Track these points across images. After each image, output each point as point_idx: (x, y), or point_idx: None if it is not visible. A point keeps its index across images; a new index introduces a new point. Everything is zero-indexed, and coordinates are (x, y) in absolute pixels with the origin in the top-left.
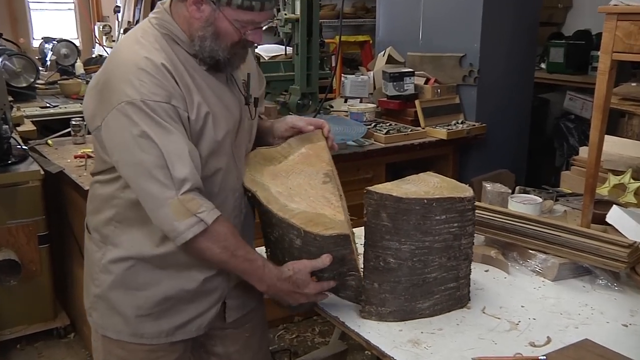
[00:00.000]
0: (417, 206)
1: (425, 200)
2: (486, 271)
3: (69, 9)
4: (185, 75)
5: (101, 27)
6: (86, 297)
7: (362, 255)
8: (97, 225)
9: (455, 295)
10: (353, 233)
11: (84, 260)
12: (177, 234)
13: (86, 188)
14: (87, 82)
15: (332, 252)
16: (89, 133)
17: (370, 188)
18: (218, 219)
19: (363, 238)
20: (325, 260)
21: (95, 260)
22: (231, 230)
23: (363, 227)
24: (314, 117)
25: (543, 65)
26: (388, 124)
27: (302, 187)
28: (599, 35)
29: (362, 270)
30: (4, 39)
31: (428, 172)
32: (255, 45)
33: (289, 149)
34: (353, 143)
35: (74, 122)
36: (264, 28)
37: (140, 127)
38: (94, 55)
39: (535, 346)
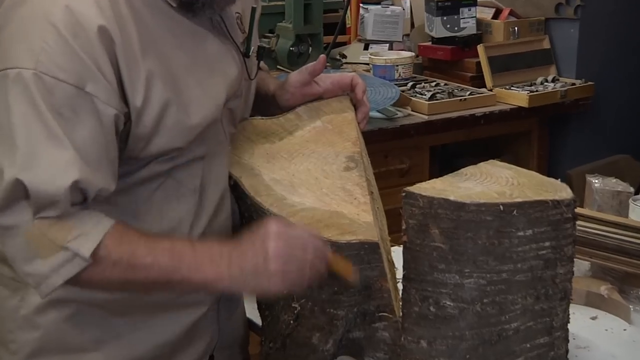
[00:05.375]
0: (488, 216)
1: (502, 207)
2: (593, 319)
3: None
4: (133, 33)
5: None
6: None
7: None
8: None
9: (548, 357)
10: (388, 248)
11: None
12: (39, 278)
13: None
14: None
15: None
16: None
17: (411, 189)
18: (105, 238)
19: (401, 269)
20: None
21: (7, 311)
22: (128, 239)
23: (401, 251)
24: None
25: None
26: (434, 84)
27: (311, 175)
28: None
29: (401, 316)
30: None
31: (492, 160)
32: None
33: (296, 120)
34: (379, 114)
35: None
36: None
37: (11, 113)
38: None
39: None
